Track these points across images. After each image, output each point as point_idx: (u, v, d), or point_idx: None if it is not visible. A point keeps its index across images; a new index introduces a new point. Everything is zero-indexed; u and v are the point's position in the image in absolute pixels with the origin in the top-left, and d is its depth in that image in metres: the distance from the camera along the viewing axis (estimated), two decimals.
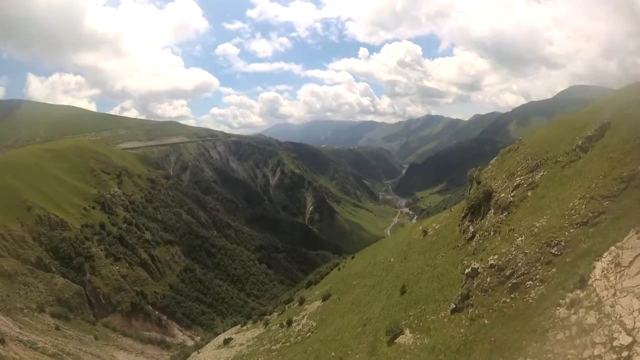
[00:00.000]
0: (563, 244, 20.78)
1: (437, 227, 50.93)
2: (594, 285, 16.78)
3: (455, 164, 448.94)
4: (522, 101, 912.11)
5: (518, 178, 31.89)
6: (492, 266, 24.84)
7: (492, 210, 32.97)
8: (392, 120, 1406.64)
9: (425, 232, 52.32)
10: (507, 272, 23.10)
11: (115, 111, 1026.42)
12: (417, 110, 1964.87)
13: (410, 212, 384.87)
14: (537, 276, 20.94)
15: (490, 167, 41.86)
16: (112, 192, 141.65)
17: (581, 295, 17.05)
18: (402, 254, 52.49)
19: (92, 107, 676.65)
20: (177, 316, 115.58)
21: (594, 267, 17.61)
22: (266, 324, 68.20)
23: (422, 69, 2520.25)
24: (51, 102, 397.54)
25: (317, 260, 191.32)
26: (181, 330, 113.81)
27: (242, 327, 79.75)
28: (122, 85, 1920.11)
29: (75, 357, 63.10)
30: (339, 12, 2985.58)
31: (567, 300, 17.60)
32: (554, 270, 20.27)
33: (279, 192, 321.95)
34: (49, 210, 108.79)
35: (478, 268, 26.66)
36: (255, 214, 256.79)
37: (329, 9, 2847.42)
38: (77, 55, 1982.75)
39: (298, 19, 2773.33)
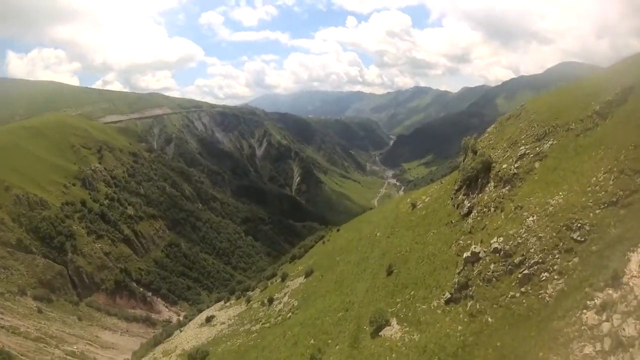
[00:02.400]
0: (587, 227, 17.03)
1: (426, 200, 47.52)
2: (631, 284, 13.30)
3: (443, 136, 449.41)
4: (511, 75, 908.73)
5: (522, 147, 28.10)
6: (496, 250, 21.21)
7: (492, 183, 29.37)
8: (381, 91, 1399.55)
9: (414, 205, 48.85)
10: (516, 260, 19.48)
11: (97, 85, 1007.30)
12: (405, 82, 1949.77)
13: (398, 184, 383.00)
14: (555, 267, 17.30)
15: (487, 135, 37.80)
16: (92, 168, 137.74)
17: (615, 296, 13.51)
18: (389, 228, 49.26)
19: (74, 82, 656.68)
20: (162, 292, 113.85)
21: (629, 260, 14.02)
22: (248, 301, 66.30)
23: (412, 40, 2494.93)
24: (32, 79, 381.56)
25: (303, 232, 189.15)
26: (167, 307, 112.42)
27: (225, 303, 77.97)
28: (103, 57, 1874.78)
29: (58, 339, 61.55)
30: None
31: (597, 302, 14.04)
32: (576, 260, 16.65)
33: (266, 163, 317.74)
34: (27, 189, 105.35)
35: (479, 252, 22.92)
36: (241, 185, 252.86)
37: None
38: (55, 28, 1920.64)
39: None
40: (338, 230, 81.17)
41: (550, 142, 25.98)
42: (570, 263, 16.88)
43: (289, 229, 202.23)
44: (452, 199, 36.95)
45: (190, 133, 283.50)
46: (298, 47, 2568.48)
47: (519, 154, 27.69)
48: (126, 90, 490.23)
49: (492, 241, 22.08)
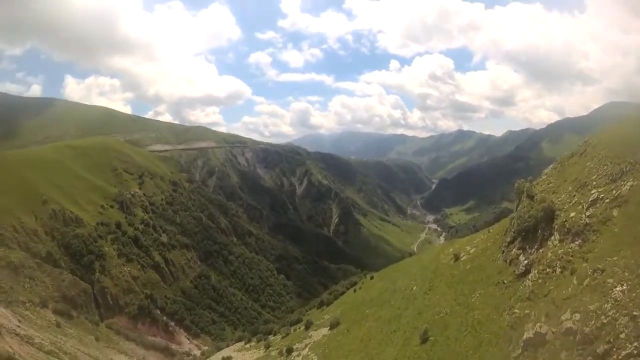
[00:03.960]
0: None
1: (472, 251, 41.82)
2: None
3: (486, 181, 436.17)
4: (556, 118, 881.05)
5: (594, 190, 22.86)
6: (570, 332, 15.82)
7: (557, 236, 23.93)
8: (423, 134, 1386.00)
9: (456, 257, 42.97)
10: (600, 349, 14.06)
11: (149, 115, 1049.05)
12: (448, 125, 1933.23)
13: (439, 229, 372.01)
14: None
15: (545, 177, 32.29)
16: (132, 192, 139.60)
17: None
18: (427, 282, 43.04)
19: (127, 110, 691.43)
20: (185, 323, 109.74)
21: None
22: (268, 346, 61.28)
23: (454, 83, 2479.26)
24: (87, 103, 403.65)
25: (338, 274, 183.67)
26: (188, 339, 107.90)
27: (245, 344, 73.14)
28: (156, 89, 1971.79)
29: (71, 356, 58.70)
30: (370, 24, 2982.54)
31: None
32: None
33: (305, 201, 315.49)
34: (64, 205, 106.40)
35: (546, 333, 17.35)
36: (279, 222, 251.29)
37: (360, 21, 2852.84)
38: (112, 59, 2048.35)
39: (329, 30, 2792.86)
40: (372, 278, 75.01)
41: (630, 183, 20.74)
42: None
43: (323, 270, 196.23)
44: (503, 252, 31.31)
45: (233, 167, 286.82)
46: (342, 89, 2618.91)
47: (590, 199, 22.28)
48: (176, 122, 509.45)
49: (562, 317, 16.61)
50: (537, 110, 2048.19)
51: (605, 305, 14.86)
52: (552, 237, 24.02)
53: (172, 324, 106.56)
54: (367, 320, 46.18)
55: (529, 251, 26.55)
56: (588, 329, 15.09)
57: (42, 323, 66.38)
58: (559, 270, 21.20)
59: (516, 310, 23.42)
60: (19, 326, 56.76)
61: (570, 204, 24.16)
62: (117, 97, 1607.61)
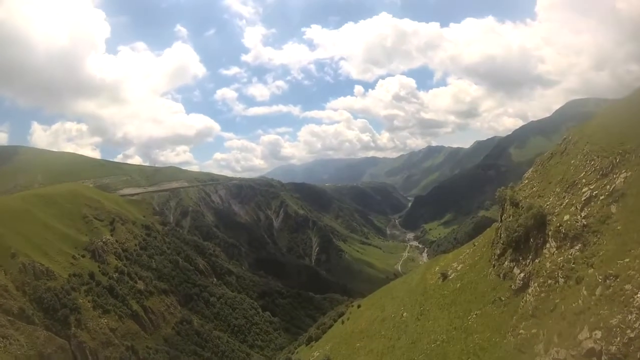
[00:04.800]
0: None
1: (459, 267, 40.18)
2: None
3: (461, 193, 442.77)
4: (520, 123, 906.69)
5: (586, 188, 21.46)
6: (592, 352, 13.63)
7: (553, 243, 22.21)
8: (394, 154, 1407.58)
9: (444, 276, 41.10)
10: None
11: (119, 158, 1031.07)
12: (417, 143, 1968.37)
13: (420, 246, 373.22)
14: None
15: (526, 182, 31.16)
16: (104, 240, 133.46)
17: None
18: (416, 306, 40.75)
19: (96, 155, 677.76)
20: None
21: None
22: None
23: (418, 101, 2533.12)
24: (55, 149, 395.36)
25: (324, 304, 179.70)
26: None
27: None
28: (124, 132, 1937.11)
29: None
30: (332, 52, 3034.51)
31: None
32: None
33: (284, 234, 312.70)
34: (34, 258, 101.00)
35: (564, 358, 15.12)
36: (259, 257, 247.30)
37: (322, 50, 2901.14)
38: (78, 103, 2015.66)
39: (292, 61, 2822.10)
40: (359, 306, 72.54)
41: (623, 175, 19.31)
42: None
43: (309, 302, 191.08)
44: (494, 266, 29.75)
45: (207, 206, 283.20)
46: (310, 118, 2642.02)
47: (583, 198, 20.89)
48: (146, 164, 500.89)
49: (580, 336, 14.49)
50: (501, 118, 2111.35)
51: (629, 317, 13.11)
52: (548, 245, 22.46)
53: None
54: (359, 355, 43.64)
55: (524, 263, 24.99)
56: (614, 347, 13.18)
57: None
58: (562, 280, 19.46)
59: (521, 331, 21.26)
60: None
61: (562, 206, 22.72)
62: (85, 142, 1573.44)
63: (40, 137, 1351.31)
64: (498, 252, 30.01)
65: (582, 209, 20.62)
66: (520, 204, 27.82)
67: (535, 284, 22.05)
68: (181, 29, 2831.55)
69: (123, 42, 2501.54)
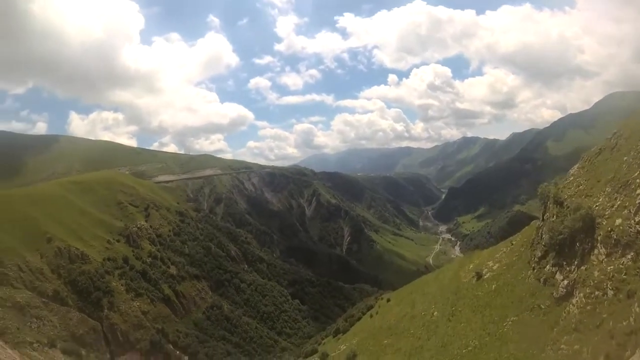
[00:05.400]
0: None
1: (495, 267, 38.09)
2: None
3: (495, 186, 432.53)
4: (559, 115, 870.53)
5: None
6: None
7: (602, 249, 20.08)
8: (428, 144, 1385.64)
9: (479, 275, 39.00)
10: None
11: (154, 146, 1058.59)
12: (452, 133, 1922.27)
13: (452, 239, 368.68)
14: None
15: (572, 179, 28.59)
16: (138, 225, 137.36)
17: None
18: (448, 305, 38.75)
19: (132, 143, 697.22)
20: (199, 357, 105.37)
21: None
22: None
23: (454, 91, 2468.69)
24: (92, 138, 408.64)
25: (354, 294, 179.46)
26: None
27: None
28: (159, 121, 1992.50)
29: None
30: (365, 41, 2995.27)
31: None
32: None
33: (315, 222, 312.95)
34: (69, 242, 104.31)
35: None
36: (290, 245, 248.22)
37: (355, 39, 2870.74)
38: (114, 93, 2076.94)
39: (325, 50, 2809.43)
40: (388, 300, 71.15)
41: None
42: None
43: (338, 291, 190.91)
44: (533, 269, 27.64)
45: (240, 193, 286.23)
46: (343, 107, 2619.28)
47: (637, 201, 18.61)
48: (181, 152, 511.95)
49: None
50: (539, 109, 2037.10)
51: None
52: (596, 251, 20.24)
53: (186, 358, 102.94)
54: (386, 353, 42.06)
55: (568, 269, 22.76)
56: None
57: None
58: (612, 292, 17.41)
59: (563, 346, 19.26)
60: None
61: (613, 208, 20.43)
62: (121, 131, 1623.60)
63: (78, 126, 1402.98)
64: (539, 254, 27.73)
65: (636, 213, 18.34)
66: (566, 203, 25.45)
67: (581, 294, 19.71)
68: (214, 19, 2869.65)
69: (157, 33, 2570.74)
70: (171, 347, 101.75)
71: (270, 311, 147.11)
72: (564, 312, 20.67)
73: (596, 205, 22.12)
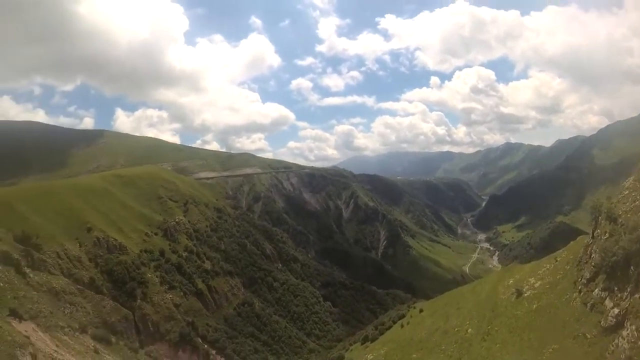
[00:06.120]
0: None
1: (537, 285, 35.44)
2: None
3: (538, 195, 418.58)
4: (606, 122, 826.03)
5: None
6: None
7: None
8: (470, 149, 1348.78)
9: (519, 292, 36.43)
10: None
11: (197, 144, 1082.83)
12: (495, 138, 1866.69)
13: (491, 248, 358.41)
14: None
15: (627, 193, 25.78)
16: (176, 220, 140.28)
17: None
18: (484, 323, 36.43)
19: (175, 140, 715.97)
20: (227, 352, 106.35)
21: None
22: None
23: (497, 95, 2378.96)
24: (137, 134, 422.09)
25: (387, 300, 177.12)
26: None
27: None
28: (202, 119, 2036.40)
29: None
30: (407, 42, 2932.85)
31: None
32: None
33: (352, 225, 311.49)
34: (109, 233, 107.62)
35: None
36: (325, 247, 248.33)
37: (397, 40, 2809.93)
38: (159, 91, 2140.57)
39: (367, 52, 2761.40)
40: (421, 311, 68.64)
41: None
42: None
43: (371, 295, 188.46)
44: (580, 292, 25.32)
45: (278, 192, 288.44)
46: (384, 109, 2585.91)
47: None
48: (223, 150, 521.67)
49: None
50: (586, 115, 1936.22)
51: None
52: None
53: (214, 352, 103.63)
54: None
55: (619, 295, 20.47)
56: None
57: (80, 349, 64.68)
58: None
59: None
60: (56, 351, 55.44)
61: None
62: (166, 128, 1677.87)
63: (124, 122, 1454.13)
64: (587, 275, 25.17)
65: None
66: (620, 220, 22.95)
67: (633, 327, 17.54)
68: (256, 21, 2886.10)
69: (201, 34, 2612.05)
70: (200, 340, 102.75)
71: (300, 311, 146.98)
72: (612, 345, 18.57)
73: None
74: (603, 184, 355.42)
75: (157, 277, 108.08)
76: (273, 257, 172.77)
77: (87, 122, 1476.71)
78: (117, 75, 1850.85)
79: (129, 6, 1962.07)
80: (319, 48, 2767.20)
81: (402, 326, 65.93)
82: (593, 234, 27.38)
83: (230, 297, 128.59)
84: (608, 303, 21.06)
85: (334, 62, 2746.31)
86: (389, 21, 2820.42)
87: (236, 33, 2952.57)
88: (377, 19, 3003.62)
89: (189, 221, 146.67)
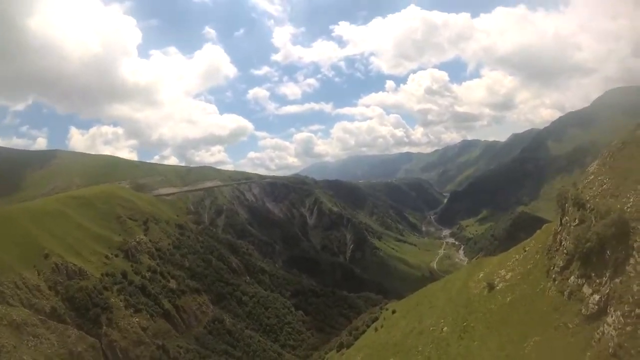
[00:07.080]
0: None
1: (508, 277, 35.01)
2: None
3: (497, 188, 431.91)
4: (558, 114, 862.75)
5: None
6: None
7: (638, 258, 17.44)
8: (428, 149, 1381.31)
9: (491, 286, 35.80)
10: None
11: (155, 159, 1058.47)
12: (452, 137, 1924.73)
13: (457, 243, 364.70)
14: None
15: (592, 177, 25.73)
16: (137, 240, 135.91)
17: None
18: (459, 321, 35.21)
19: (133, 157, 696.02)
20: None
21: None
22: None
23: (452, 95, 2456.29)
24: (93, 153, 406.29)
25: (359, 303, 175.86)
26: None
27: None
28: (159, 134, 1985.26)
29: None
30: (362, 48, 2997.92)
31: None
32: None
33: (318, 231, 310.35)
34: (67, 258, 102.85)
35: None
36: (293, 255, 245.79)
37: (352, 47, 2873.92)
38: (113, 107, 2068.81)
39: (322, 59, 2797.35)
40: (394, 312, 67.94)
41: None
42: None
43: (343, 300, 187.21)
44: (554, 280, 24.88)
45: (241, 204, 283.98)
46: (342, 115, 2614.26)
47: None
48: (182, 164, 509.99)
49: None
50: (538, 109, 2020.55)
51: None
52: (632, 261, 17.51)
53: None
54: None
55: (597, 281, 19.84)
56: None
57: None
58: None
59: None
60: None
61: None
62: (122, 145, 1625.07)
63: (78, 141, 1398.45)
64: (560, 263, 24.62)
65: None
66: (589, 206, 22.64)
67: (618, 312, 16.72)
68: (210, 31, 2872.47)
69: (154, 46, 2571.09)
70: None
71: (273, 323, 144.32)
72: (597, 333, 17.84)
73: (628, 207, 19.34)
74: (559, 173, 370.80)
75: (121, 300, 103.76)
76: (240, 270, 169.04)
77: (41, 143, 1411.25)
78: (69, 92, 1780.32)
79: (81, 19, 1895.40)
80: (275, 57, 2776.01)
81: (376, 329, 64.76)
82: (561, 221, 27.18)
83: (199, 315, 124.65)
84: (586, 290, 20.55)
85: (290, 70, 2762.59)
86: (343, 28, 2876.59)
87: (190, 44, 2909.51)
88: (331, 27, 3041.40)
89: (150, 240, 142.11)
